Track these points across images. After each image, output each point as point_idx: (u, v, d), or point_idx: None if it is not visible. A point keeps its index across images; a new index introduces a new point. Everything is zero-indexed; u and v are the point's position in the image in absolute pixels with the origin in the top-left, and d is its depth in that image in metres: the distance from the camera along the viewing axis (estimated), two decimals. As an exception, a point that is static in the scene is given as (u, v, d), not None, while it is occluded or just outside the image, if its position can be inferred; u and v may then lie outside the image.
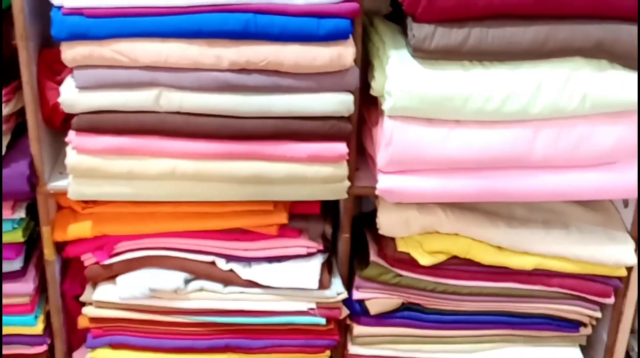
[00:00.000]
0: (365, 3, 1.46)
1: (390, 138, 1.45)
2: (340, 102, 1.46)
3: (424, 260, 1.61)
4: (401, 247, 1.61)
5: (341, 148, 1.49)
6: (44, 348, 1.71)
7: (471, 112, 1.43)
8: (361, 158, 1.64)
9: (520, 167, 1.50)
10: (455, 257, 1.62)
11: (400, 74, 1.42)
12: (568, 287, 1.66)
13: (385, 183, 1.51)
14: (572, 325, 1.73)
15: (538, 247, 1.62)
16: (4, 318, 1.65)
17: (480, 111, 1.43)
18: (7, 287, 1.62)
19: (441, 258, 1.62)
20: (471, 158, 1.47)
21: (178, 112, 1.46)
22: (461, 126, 1.46)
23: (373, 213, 1.65)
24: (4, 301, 1.64)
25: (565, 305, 1.69)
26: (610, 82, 1.44)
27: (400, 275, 1.65)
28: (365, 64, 1.54)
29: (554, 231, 1.64)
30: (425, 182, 1.50)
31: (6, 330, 1.67)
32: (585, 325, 1.74)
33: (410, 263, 1.62)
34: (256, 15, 1.38)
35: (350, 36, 1.43)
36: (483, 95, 1.42)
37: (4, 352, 1.69)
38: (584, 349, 1.78)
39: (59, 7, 1.39)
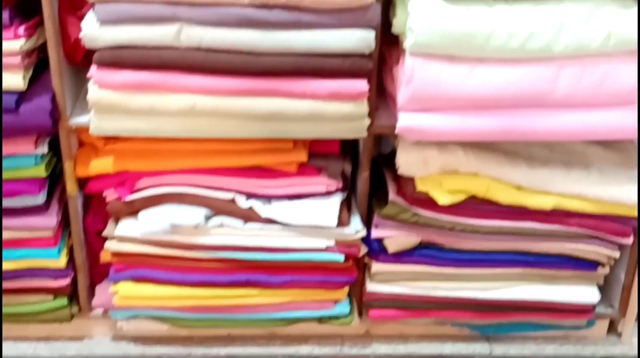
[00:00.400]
0: (388, -62, 1.44)
1: (411, 75, 1.44)
2: (361, 39, 1.45)
3: (443, 199, 1.61)
4: (420, 186, 1.62)
5: (361, 85, 1.49)
6: (67, 281, 1.74)
7: (494, 49, 1.41)
8: (381, 98, 1.64)
9: (542, 106, 1.48)
10: (474, 196, 1.62)
11: (422, 10, 1.40)
12: (587, 227, 1.66)
13: (405, 121, 1.50)
14: (590, 264, 1.73)
15: (558, 187, 1.61)
16: (29, 251, 1.68)
17: (503, 48, 1.41)
18: (31, 220, 1.65)
19: (460, 197, 1.62)
20: (493, 95, 1.46)
21: (198, 48, 1.45)
22: (483, 64, 1.44)
23: (392, 154, 1.65)
24: (28, 234, 1.67)
25: (583, 244, 1.69)
26: (635, 19, 1.41)
27: (419, 214, 1.65)
28: (387, 2, 1.52)
29: (574, 171, 1.63)
30: (446, 120, 1.50)
31: (30, 262, 1.70)
32: (603, 264, 1.74)
33: (429, 202, 1.62)
34: (278, -51, 1.37)
35: (372, -28, 1.42)
36: (506, 32, 1.40)
37: (30, 284, 1.73)
38: (601, 289, 1.79)
39: (80, -60, 1.38)
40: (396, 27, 1.48)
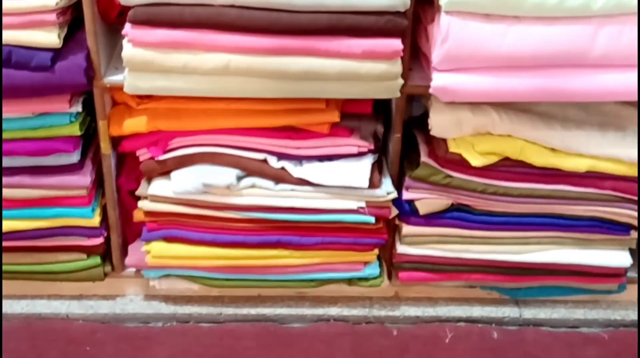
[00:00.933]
0: None
1: (447, 34, 1.43)
2: (397, -4, 1.44)
3: (476, 161, 1.60)
4: (453, 148, 1.61)
5: (396, 43, 1.48)
6: (100, 240, 1.76)
7: (531, 7, 1.40)
8: (414, 60, 1.63)
9: (579, 65, 1.47)
10: (507, 158, 1.61)
11: (458, -33, 1.39)
12: (621, 190, 1.64)
13: (439, 80, 1.49)
14: (623, 228, 1.72)
15: (593, 149, 1.60)
16: (63, 209, 1.70)
17: (541, 5, 1.39)
18: (65, 179, 1.66)
19: (493, 159, 1.61)
20: (529, 55, 1.44)
21: (232, 6, 1.45)
22: (520, 22, 1.43)
23: (423, 117, 1.64)
24: (63, 193, 1.68)
25: (616, 207, 1.67)
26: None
27: (451, 176, 1.65)
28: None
29: (609, 134, 1.61)
30: (481, 80, 1.48)
31: (64, 221, 1.71)
32: (635, 228, 1.72)
33: (461, 164, 1.62)
34: None
35: None
36: (544, -11, 1.39)
37: (63, 242, 1.75)
38: (633, 252, 1.78)
39: None
40: (431, -15, 1.47)
